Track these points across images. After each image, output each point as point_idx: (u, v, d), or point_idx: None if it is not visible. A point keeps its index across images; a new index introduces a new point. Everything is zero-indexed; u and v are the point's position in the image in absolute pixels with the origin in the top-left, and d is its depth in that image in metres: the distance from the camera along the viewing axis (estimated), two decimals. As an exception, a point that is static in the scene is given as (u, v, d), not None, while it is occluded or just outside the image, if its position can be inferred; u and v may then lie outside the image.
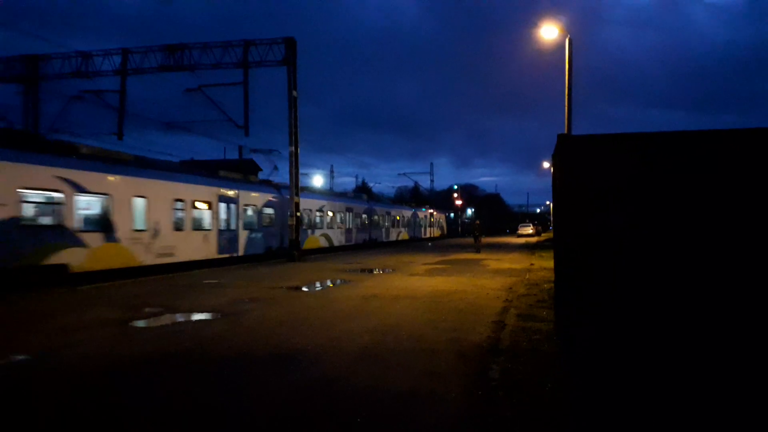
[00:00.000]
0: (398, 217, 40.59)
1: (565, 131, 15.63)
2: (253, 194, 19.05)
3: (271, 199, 20.49)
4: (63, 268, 10.88)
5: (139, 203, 13.28)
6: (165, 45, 20.47)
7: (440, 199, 79.17)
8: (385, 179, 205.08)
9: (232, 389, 4.63)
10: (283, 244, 21.33)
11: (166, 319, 7.89)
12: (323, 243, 25.85)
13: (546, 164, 37.65)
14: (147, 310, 8.65)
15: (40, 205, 10.62)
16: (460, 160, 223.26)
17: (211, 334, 6.83)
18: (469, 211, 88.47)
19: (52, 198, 10.76)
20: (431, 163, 60.90)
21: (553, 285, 8.91)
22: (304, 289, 11.67)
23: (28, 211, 10.34)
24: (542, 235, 64.37)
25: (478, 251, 25.77)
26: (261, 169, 54.90)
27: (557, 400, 4.14)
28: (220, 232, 16.06)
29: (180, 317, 8.11)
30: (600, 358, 5.06)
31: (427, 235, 49.23)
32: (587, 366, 4.97)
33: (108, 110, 20.79)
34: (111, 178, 12.32)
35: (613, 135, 5.48)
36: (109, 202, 12.28)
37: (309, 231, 24.16)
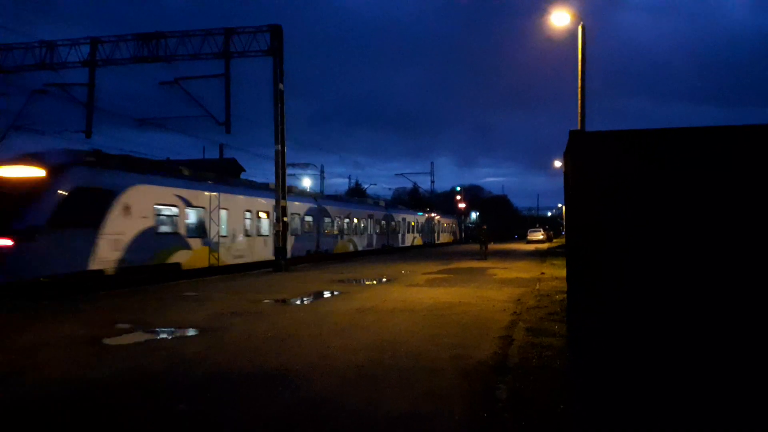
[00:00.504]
0: (413, 223, 46.95)
1: (578, 127, 15.72)
2: (296, 204, 23.85)
3: (310, 207, 25.61)
4: (178, 266, 15.46)
5: (223, 214, 18.56)
6: (138, 34, 20.45)
7: (441, 202, 79.34)
8: (381, 180, 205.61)
9: (209, 413, 4.61)
10: (319, 248, 26.07)
11: (141, 336, 7.85)
12: (350, 248, 31.07)
13: (558, 163, 37.83)
14: (120, 326, 8.62)
15: (165, 217, 15.14)
16: (463, 160, 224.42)
17: (191, 352, 6.81)
18: (474, 215, 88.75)
19: (172, 211, 15.40)
20: (431, 163, 61.11)
21: (565, 296, 8.93)
22: (293, 301, 11.69)
23: (159, 222, 14.77)
24: (554, 241, 64.51)
25: (484, 258, 26.42)
26: (244, 170, 55.16)
27: (570, 422, 4.15)
28: (275, 236, 19.81)
29: (157, 334, 8.08)
30: (613, 368, 5.07)
31: (440, 240, 52.90)
32: (600, 380, 4.98)
33: (75, 105, 20.77)
34: (206, 194, 17.46)
35: (626, 131, 5.52)
36: (204, 214, 17.18)
37: (339, 237, 29.14)
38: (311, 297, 12.53)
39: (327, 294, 12.99)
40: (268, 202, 21.36)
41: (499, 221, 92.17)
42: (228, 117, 20.12)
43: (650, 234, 5.26)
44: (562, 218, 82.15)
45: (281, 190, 20.26)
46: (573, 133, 5.79)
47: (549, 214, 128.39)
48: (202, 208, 17.33)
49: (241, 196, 20.15)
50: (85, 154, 13.62)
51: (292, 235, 22.64)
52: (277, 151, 20.33)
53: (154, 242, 14.77)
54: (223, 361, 6.32)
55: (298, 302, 11.76)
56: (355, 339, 7.47)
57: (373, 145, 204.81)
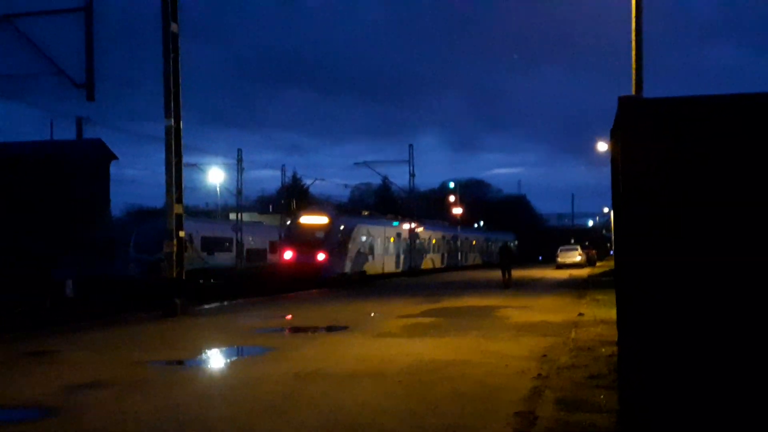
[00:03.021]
0: (474, 242, 75.25)
1: (632, 91, 15.98)
2: (404, 226, 52.29)
3: (414, 230, 53.90)
4: (364, 272, 42.24)
5: (378, 239, 46.12)
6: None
7: (425, 205, 79.78)
8: (333, 171, 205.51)
9: None
10: (410, 263, 52.53)
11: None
12: (430, 264, 58.99)
13: (602, 146, 38.26)
14: None
15: (364, 242, 43.91)
16: (459, 142, 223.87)
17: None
18: (476, 225, 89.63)
19: (368, 239, 44.46)
20: (410, 146, 60.78)
21: (615, 350, 8.99)
22: (197, 363, 11.57)
23: (364, 244, 43.91)
24: (597, 264, 65.26)
25: (507, 287, 29.62)
26: (115, 157, 54.38)
27: None
28: (397, 256, 47.06)
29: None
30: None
31: (430, 263, 59.40)
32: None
33: None
34: (376, 227, 46.29)
35: (710, 97, 5.59)
36: (372, 240, 44.83)
37: (424, 254, 58.03)
38: (225, 355, 12.41)
39: (250, 350, 12.90)
40: (393, 230, 50.65)
41: (517, 234, 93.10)
42: (90, 76, 19.79)
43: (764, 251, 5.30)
44: (609, 230, 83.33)
45: (174, 187, 20.01)
46: (625, 101, 5.85)
47: (590, 223, 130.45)
48: (374, 237, 45.17)
49: (381, 227, 47.64)
50: (343, 210, 46.80)
51: (400, 253, 52.45)
52: (168, 129, 20.08)
53: (362, 257, 42.68)
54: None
55: (205, 365, 11.59)
56: (292, 424, 7.38)
57: (320, 120, 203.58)
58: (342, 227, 40.74)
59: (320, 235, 39.16)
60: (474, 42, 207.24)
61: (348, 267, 40.90)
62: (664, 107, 5.74)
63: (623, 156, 5.77)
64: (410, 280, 43.22)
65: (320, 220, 40.27)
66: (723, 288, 5.37)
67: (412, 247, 53.66)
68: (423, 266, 56.56)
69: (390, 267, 48.79)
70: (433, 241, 61.34)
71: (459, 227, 71.07)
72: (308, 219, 40.58)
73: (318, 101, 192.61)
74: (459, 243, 70.34)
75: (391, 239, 50.14)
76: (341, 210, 46.64)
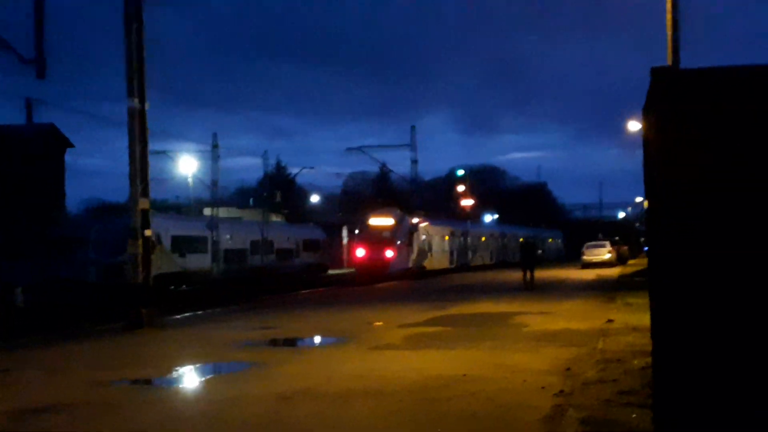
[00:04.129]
0: (521, 240, 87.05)
1: (668, 62, 16.00)
2: (456, 226, 66.53)
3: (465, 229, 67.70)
4: (424, 267, 53.46)
5: (436, 237, 59.49)
6: None
7: (431, 196, 79.82)
8: (323, 158, 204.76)
9: None
10: (462, 260, 64.01)
11: None
12: (479, 261, 68.73)
13: (633, 125, 38.32)
14: None
15: (425, 239, 56.37)
16: (469, 123, 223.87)
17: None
18: (488, 218, 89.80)
19: (426, 237, 56.93)
20: (412, 128, 60.66)
21: (650, 362, 9.01)
22: (167, 382, 11.57)
23: (424, 242, 56.10)
24: (629, 262, 65.64)
25: (529, 288, 30.61)
26: (71, 144, 54.28)
27: None
28: (451, 253, 62.22)
29: None
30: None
31: (437, 265, 63.03)
32: None
33: None
34: (434, 226, 58.61)
35: (762, 66, 5.59)
36: (431, 238, 57.62)
37: (475, 252, 68.76)
38: (199, 373, 12.41)
39: (227, 367, 12.93)
40: (445, 229, 61.77)
41: (535, 228, 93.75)
42: (41, 50, 19.76)
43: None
44: (642, 222, 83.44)
45: (139, 179, 20.02)
46: (659, 73, 5.85)
47: (620, 215, 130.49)
48: (436, 235, 58.69)
49: (440, 227, 59.94)
50: (406, 211, 54.69)
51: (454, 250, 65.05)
52: (131, 111, 20.06)
53: (422, 254, 54.43)
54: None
55: (177, 384, 11.59)
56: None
57: (308, 98, 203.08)
58: (406, 227, 51.56)
59: (387, 234, 50.00)
60: (488, 6, 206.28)
61: (411, 263, 51.36)
62: (705, 79, 5.75)
63: (658, 136, 5.78)
64: (415, 282, 43.30)
65: (387, 221, 51.14)
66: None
67: (465, 246, 65.59)
68: (473, 263, 66.04)
69: (444, 263, 59.59)
70: (482, 239, 73.15)
71: (469, 220, 71.75)
72: (376, 220, 51.62)
73: (306, 77, 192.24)
74: (506, 240, 79.34)
75: (446, 237, 61.78)
76: (402, 209, 55.33)
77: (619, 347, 13.10)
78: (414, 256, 51.89)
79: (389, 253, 48.79)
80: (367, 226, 51.63)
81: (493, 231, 76.57)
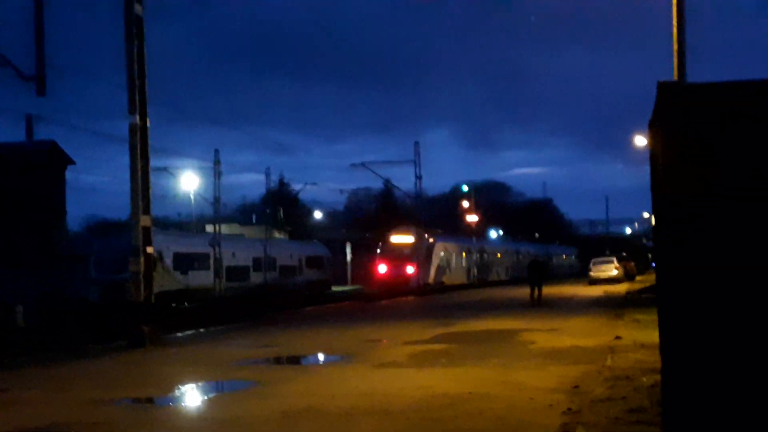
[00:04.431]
0: (565, 256, 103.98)
1: (675, 76, 16.00)
2: (473, 243, 71.50)
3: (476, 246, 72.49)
4: (442, 282, 57.95)
5: (453, 254, 64.77)
6: None
7: (435, 212, 79.87)
8: (326, 174, 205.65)
9: None
10: (478, 276, 68.36)
11: None
12: (495, 277, 72.56)
13: (640, 140, 38.44)
14: None
15: (444, 256, 61.83)
16: (474, 138, 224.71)
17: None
18: (493, 234, 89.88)
19: (446, 254, 62.88)
20: (416, 144, 60.79)
21: (659, 379, 8.94)
22: (168, 402, 11.54)
23: (443, 259, 61.40)
24: (637, 279, 65.80)
25: (538, 305, 30.96)
26: (72, 161, 54.36)
27: None
28: (468, 269, 67.22)
29: None
30: None
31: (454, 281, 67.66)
32: None
33: None
34: (452, 243, 64.91)
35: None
36: (449, 254, 63.02)
37: (487, 269, 72.46)
38: (202, 392, 12.38)
39: (231, 385, 12.93)
40: (462, 246, 66.61)
41: (550, 245, 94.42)
42: (41, 66, 19.85)
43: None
44: (650, 238, 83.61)
45: (141, 196, 20.02)
46: (665, 87, 5.84)
47: (627, 231, 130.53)
48: (453, 252, 63.70)
49: (458, 244, 66.04)
50: (424, 230, 58.74)
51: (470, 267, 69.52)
52: (133, 127, 20.10)
53: (441, 270, 59.09)
54: None
55: (179, 403, 11.54)
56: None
57: (311, 114, 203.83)
58: (426, 244, 56.27)
59: (407, 251, 54.17)
60: (493, 21, 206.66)
61: (431, 278, 55.85)
62: (712, 93, 5.74)
63: (664, 150, 5.76)
64: (420, 300, 43.21)
65: (407, 239, 55.38)
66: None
67: (481, 262, 70.15)
68: (489, 279, 70.25)
69: (462, 279, 63.67)
70: (498, 256, 77.18)
71: (474, 237, 72.34)
72: (397, 238, 55.93)
73: (308, 92, 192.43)
74: (520, 257, 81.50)
75: (463, 254, 66.09)
76: (422, 228, 58.77)
77: (628, 364, 13.05)
78: (433, 271, 56.17)
79: (410, 269, 52.94)
80: (389, 244, 55.49)
81: (508, 248, 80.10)
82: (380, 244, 57.72)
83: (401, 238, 55.01)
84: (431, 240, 56.67)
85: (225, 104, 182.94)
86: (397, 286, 49.55)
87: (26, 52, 19.96)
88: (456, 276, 61.14)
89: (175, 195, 60.91)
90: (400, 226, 59.23)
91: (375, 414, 9.72)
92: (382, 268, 53.43)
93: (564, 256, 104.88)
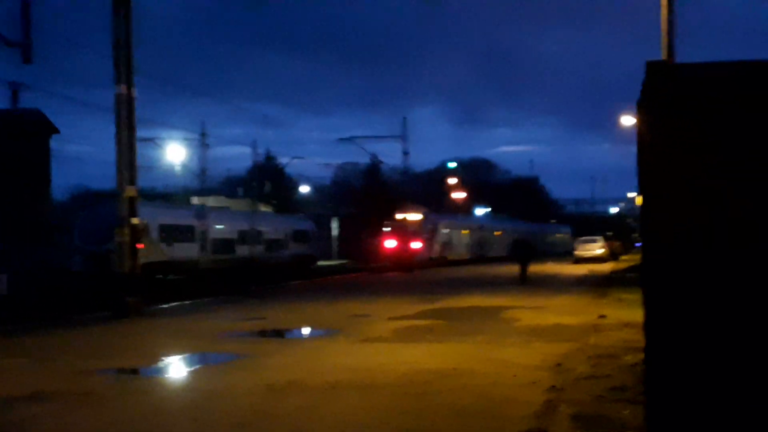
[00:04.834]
0: (561, 235, 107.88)
1: (663, 56, 16.03)
2: (475, 223, 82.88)
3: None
4: (445, 257, 65.56)
5: (455, 232, 73.42)
6: None
7: (421, 189, 79.86)
8: (313, 148, 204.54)
9: None
10: (479, 252, 73.34)
11: None
12: (494, 254, 72.43)
13: (627, 120, 38.53)
14: None
15: (447, 233, 71.31)
16: (461, 114, 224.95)
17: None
18: (478, 211, 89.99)
19: (453, 233, 73.52)
20: (404, 119, 60.65)
21: (642, 358, 9.03)
22: (153, 372, 11.59)
23: (446, 236, 70.90)
24: (621, 258, 66.26)
25: (524, 282, 31.93)
26: (57, 130, 53.78)
27: None
28: (468, 246, 74.63)
29: None
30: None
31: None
32: None
33: None
34: (455, 222, 74.35)
35: (758, 62, 5.60)
36: (452, 233, 71.88)
37: (487, 246, 77.11)
38: (187, 363, 12.42)
39: (215, 358, 12.95)
40: (469, 225, 78.18)
41: (547, 224, 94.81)
42: (27, 33, 19.70)
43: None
44: (635, 218, 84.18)
45: (126, 166, 19.97)
46: (653, 67, 5.85)
47: (613, 210, 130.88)
48: (455, 230, 72.46)
49: (464, 222, 76.75)
50: (429, 211, 66.69)
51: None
52: (119, 97, 20.05)
53: (445, 246, 67.78)
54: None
55: (163, 374, 11.57)
56: (265, 442, 7.38)
57: (298, 88, 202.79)
58: (431, 223, 63.17)
59: (414, 228, 59.55)
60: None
61: (435, 253, 62.56)
62: (701, 73, 5.75)
63: (652, 131, 5.78)
64: (406, 277, 43.30)
65: (415, 217, 60.99)
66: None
67: (481, 240, 75.52)
68: (490, 255, 72.63)
69: (464, 255, 69.09)
70: (496, 234, 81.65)
71: (458, 211, 73.63)
72: (405, 216, 60.93)
73: (296, 66, 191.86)
74: (517, 236, 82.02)
75: (465, 232, 73.55)
76: (427, 208, 65.89)
77: (611, 343, 13.17)
78: (437, 248, 63.32)
79: (416, 245, 57.39)
80: (397, 222, 60.29)
81: (507, 227, 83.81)
82: (390, 222, 61.86)
83: (409, 217, 59.91)
84: (436, 219, 63.43)
85: (212, 76, 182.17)
86: (402, 261, 53.12)
87: (12, 18, 19.78)
88: (458, 252, 67.34)
89: (161, 166, 60.72)
90: (407, 205, 62.98)
91: (359, 388, 9.77)
92: (390, 244, 57.46)
93: (558, 235, 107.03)
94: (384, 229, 60.68)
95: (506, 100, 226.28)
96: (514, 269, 34.59)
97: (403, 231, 57.92)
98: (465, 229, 72.49)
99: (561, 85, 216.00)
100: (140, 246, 21.54)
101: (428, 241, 61.00)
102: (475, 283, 32.99)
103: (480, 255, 70.68)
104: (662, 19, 16.39)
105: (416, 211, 60.98)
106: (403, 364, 11.39)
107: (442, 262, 59.80)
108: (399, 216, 60.09)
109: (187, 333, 16.21)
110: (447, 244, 65.97)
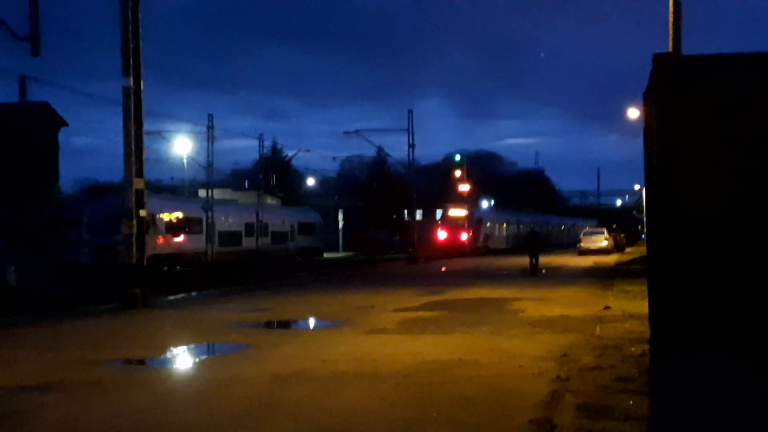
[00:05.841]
0: (562, 227, 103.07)
1: (670, 48, 15.96)
2: (512, 216, 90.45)
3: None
4: (488, 247, 74.90)
5: (496, 225, 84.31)
6: None
7: (427, 181, 79.84)
8: (319, 141, 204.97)
9: None
10: (516, 243, 71.71)
11: None
12: None
13: (633, 112, 38.45)
14: None
15: (490, 226, 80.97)
16: (467, 107, 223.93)
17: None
18: (485, 203, 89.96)
19: (494, 226, 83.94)
20: (410, 112, 60.50)
21: (647, 348, 9.02)
22: (160, 363, 11.60)
23: (489, 228, 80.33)
24: (626, 250, 66.22)
25: (534, 273, 33.34)
26: (65, 123, 54.13)
27: None
28: (507, 238, 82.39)
29: None
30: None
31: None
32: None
33: None
34: (496, 216, 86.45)
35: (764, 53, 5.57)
36: (493, 225, 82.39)
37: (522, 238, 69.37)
38: (193, 353, 12.45)
39: (222, 348, 12.98)
40: (507, 218, 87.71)
41: (575, 218, 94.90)
42: (36, 26, 19.68)
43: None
44: (640, 210, 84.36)
45: (134, 159, 19.96)
46: (660, 59, 5.83)
47: (618, 203, 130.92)
48: (496, 223, 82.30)
49: (502, 215, 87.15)
50: (475, 208, 78.58)
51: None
52: (126, 90, 20.02)
53: (487, 238, 76.24)
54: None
55: (170, 364, 11.61)
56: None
57: (304, 81, 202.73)
58: (476, 217, 72.34)
59: (461, 222, 68.90)
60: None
61: (480, 243, 70.87)
62: (707, 66, 5.72)
63: (658, 123, 5.76)
64: (410, 269, 43.31)
65: (461, 212, 69.75)
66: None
67: (518, 232, 79.99)
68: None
69: (503, 245, 76.08)
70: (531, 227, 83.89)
71: (466, 201, 74.31)
72: (454, 212, 70.52)
73: (303, 59, 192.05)
74: (550, 228, 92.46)
75: (504, 225, 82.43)
76: (473, 204, 75.02)
77: (616, 334, 13.16)
78: (481, 238, 72.38)
79: (464, 236, 67.99)
80: (447, 217, 71.20)
81: (540, 220, 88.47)
82: (441, 217, 73.05)
83: (457, 212, 69.99)
84: (480, 214, 74.14)
85: (219, 69, 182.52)
86: (452, 249, 63.31)
87: (20, 12, 19.78)
88: (498, 243, 76.28)
89: (168, 159, 60.72)
90: (455, 202, 72.73)
91: (365, 378, 9.77)
92: (442, 235, 68.44)
93: (587, 228, 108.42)
94: (438, 222, 70.97)
95: (512, 92, 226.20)
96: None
97: (453, 224, 67.95)
98: (504, 222, 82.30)
99: (568, 78, 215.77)
100: (160, 240, 21.68)
101: (474, 233, 70.19)
102: (489, 274, 33.34)
103: (516, 245, 73.85)
104: (669, 12, 16.31)
105: (463, 206, 69.72)
106: (409, 355, 11.39)
107: (485, 251, 67.87)
108: (449, 212, 69.76)
109: (194, 324, 16.21)
110: (489, 236, 74.97)
